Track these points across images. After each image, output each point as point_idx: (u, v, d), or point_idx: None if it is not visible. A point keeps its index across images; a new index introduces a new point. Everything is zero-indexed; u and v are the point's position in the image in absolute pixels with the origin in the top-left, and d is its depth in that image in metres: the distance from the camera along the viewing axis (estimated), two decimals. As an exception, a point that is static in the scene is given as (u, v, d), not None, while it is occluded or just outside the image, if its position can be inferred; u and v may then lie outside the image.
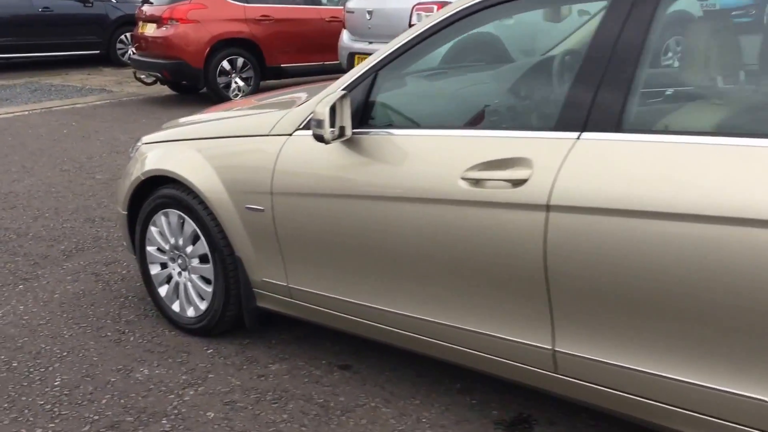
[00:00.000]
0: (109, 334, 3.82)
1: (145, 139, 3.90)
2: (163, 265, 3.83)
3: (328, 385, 3.27)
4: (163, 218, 3.71)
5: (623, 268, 2.35)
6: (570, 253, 2.43)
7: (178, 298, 3.79)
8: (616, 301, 2.39)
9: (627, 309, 2.38)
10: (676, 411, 2.36)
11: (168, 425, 3.01)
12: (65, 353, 3.63)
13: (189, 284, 3.70)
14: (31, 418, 3.09)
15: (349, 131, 2.92)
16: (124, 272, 4.63)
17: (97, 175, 6.98)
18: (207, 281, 3.62)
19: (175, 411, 3.10)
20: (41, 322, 3.97)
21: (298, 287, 3.28)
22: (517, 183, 2.53)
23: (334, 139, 2.88)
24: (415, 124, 3.00)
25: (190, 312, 3.73)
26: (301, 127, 3.17)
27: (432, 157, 2.77)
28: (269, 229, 3.26)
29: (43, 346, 3.71)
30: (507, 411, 3.03)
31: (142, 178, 3.73)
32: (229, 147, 3.42)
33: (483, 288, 2.67)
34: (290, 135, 3.19)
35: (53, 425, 3.05)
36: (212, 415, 3.07)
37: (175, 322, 3.81)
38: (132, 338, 3.77)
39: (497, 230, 2.58)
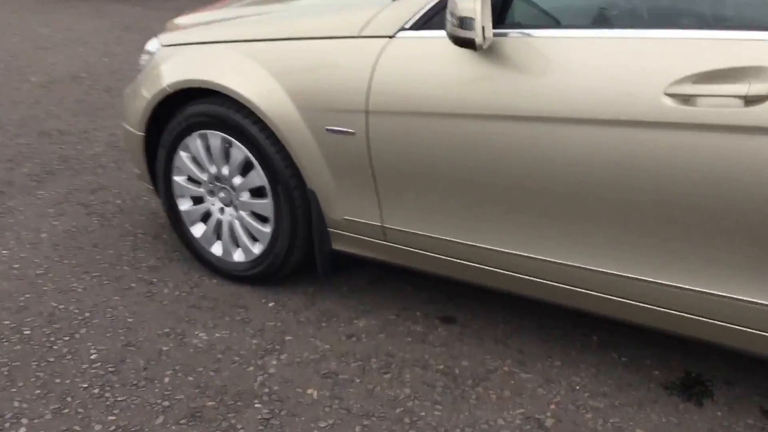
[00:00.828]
0: (133, 285, 3.11)
1: (165, 40, 3.11)
2: (197, 200, 3.11)
3: (438, 344, 2.69)
4: (198, 141, 2.97)
5: None
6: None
7: (219, 239, 3.10)
8: None
9: None
10: None
11: (266, 411, 2.39)
12: (87, 314, 2.91)
13: (237, 223, 3.01)
14: (80, 410, 2.41)
15: (490, 32, 2.26)
16: (118, 202, 3.86)
17: (31, 78, 6.02)
18: (262, 219, 2.94)
19: (266, 390, 2.48)
20: (39, 272, 3.21)
21: (396, 227, 2.65)
22: (754, 100, 1.95)
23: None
24: (581, 24, 2.35)
25: (238, 256, 3.05)
26: (407, 26, 2.48)
27: (617, 67, 2.15)
28: (361, 156, 2.60)
29: (54, 304, 2.98)
30: (670, 370, 2.54)
31: (169, 90, 2.97)
32: (299, 52, 2.69)
33: (693, 233, 2.12)
34: (392, 37, 2.51)
35: (114, 418, 2.38)
36: (314, 393, 2.46)
37: (217, 269, 3.13)
38: (166, 290, 3.07)
39: (721, 160, 2.02)
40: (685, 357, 2.60)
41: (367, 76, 2.52)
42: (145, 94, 3.06)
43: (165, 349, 2.70)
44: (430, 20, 2.44)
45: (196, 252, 3.17)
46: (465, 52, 2.34)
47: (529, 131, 2.26)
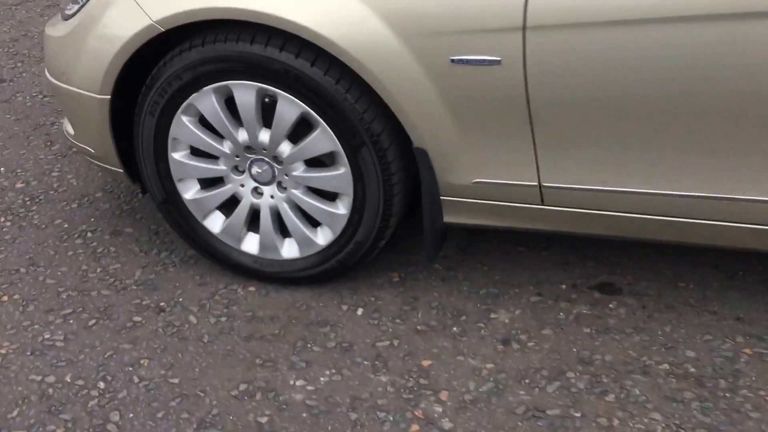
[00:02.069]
0: (137, 319, 2.13)
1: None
2: (210, 182, 2.14)
3: (630, 330, 2.00)
4: (213, 99, 1.98)
5: None
6: None
7: (254, 231, 2.17)
8: None
9: None
10: None
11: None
12: (101, 384, 1.93)
13: (285, 206, 2.08)
14: None
15: None
16: (19, 186, 2.73)
17: None
18: (326, 197, 2.05)
19: (466, 462, 1.68)
20: (-26, 325, 2.13)
21: (559, 185, 1.88)
22: None
23: None
24: None
25: (289, 251, 2.15)
26: None
27: None
28: (511, 93, 1.79)
29: (37, 378, 1.97)
30: None
31: (162, 29, 1.93)
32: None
33: None
34: None
35: None
36: (536, 449, 1.70)
37: (252, 272, 2.20)
38: (192, 318, 2.12)
39: None
40: None
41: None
42: (108, 37, 2.00)
43: (263, 421, 1.80)
44: None
45: (215, 254, 2.21)
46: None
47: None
